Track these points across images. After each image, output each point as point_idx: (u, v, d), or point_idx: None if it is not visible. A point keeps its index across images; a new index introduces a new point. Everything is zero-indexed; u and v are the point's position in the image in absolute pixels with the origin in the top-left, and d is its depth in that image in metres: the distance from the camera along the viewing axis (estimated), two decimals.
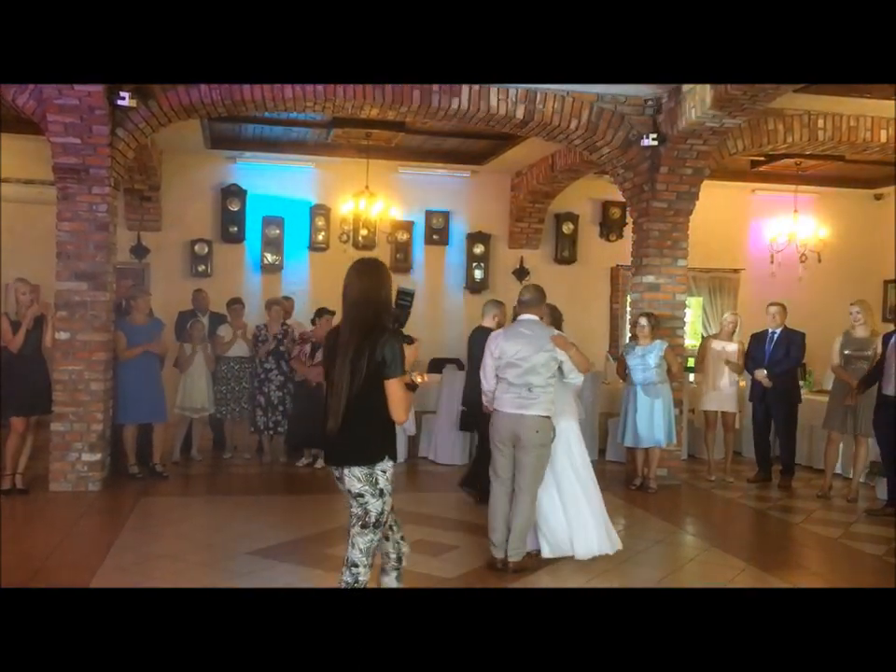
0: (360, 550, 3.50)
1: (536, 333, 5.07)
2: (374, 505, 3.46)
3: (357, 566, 3.50)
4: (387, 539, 3.68)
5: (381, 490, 3.46)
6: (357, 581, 3.49)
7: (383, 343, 3.35)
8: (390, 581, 3.73)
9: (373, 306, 3.48)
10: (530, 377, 4.99)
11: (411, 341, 3.48)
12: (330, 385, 3.45)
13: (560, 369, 5.09)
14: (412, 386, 3.49)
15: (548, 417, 5.04)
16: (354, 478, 3.45)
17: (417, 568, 5.16)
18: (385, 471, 3.46)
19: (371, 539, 3.50)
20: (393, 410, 3.38)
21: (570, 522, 5.27)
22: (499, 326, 6.56)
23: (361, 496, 3.46)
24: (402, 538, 3.76)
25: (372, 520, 3.47)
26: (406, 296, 3.57)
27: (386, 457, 3.46)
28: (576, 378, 5.17)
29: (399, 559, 3.75)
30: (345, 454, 3.45)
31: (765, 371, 7.77)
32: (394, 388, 3.35)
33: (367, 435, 3.43)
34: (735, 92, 6.31)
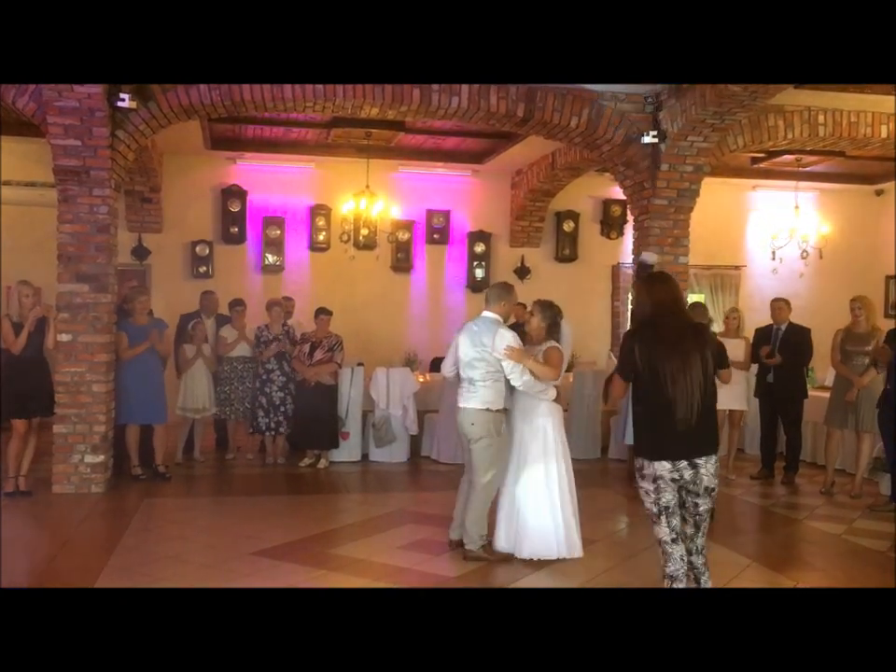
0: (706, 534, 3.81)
1: (481, 329, 5.18)
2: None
3: (705, 547, 3.83)
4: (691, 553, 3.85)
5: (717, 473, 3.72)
6: (706, 560, 3.83)
7: (711, 339, 3.78)
8: None
9: (684, 309, 3.93)
10: (469, 371, 5.16)
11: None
12: (662, 384, 3.58)
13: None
14: None
15: (488, 410, 5.10)
16: (710, 473, 3.64)
17: (420, 567, 5.16)
18: (717, 461, 3.71)
19: None
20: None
21: (521, 521, 5.25)
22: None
23: (714, 489, 3.68)
24: (704, 564, 3.87)
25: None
26: None
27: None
28: (515, 380, 5.09)
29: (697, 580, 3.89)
30: (706, 445, 3.63)
31: (773, 353, 7.74)
32: (728, 375, 3.84)
33: (715, 425, 3.73)
34: (735, 89, 6.31)
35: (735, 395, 8.09)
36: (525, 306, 9.36)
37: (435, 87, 7.12)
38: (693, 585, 3.80)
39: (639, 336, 3.70)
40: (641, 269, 3.86)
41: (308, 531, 5.84)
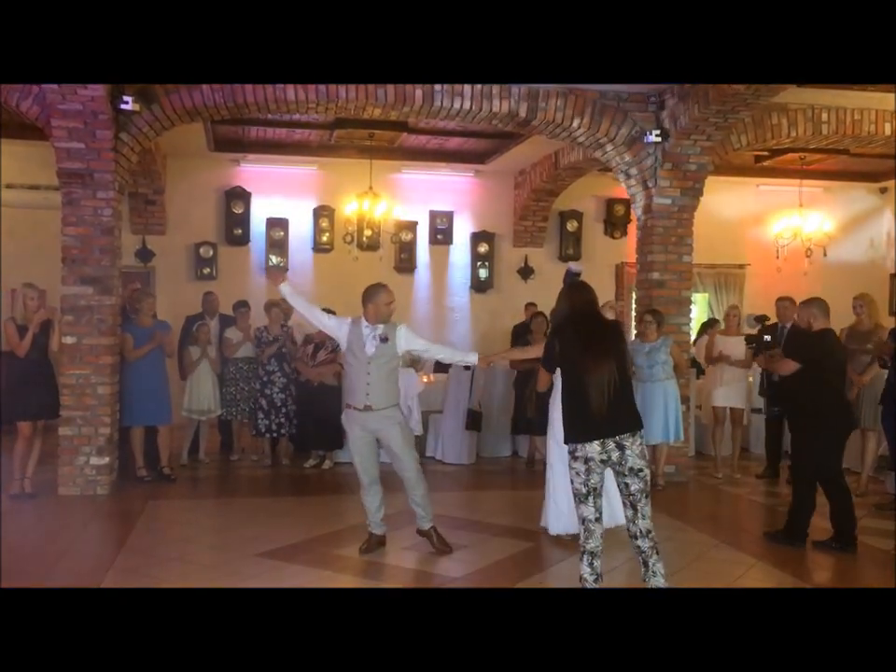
0: (650, 516, 3.97)
1: None
2: (649, 471, 3.98)
3: (651, 531, 3.97)
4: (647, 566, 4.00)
5: (646, 456, 3.99)
6: (656, 543, 3.98)
7: (622, 337, 4.29)
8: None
9: (599, 311, 4.32)
10: None
11: None
12: (580, 375, 3.93)
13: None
14: None
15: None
16: (635, 455, 3.90)
17: (425, 568, 5.17)
18: (642, 444, 3.98)
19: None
20: None
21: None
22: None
23: (641, 469, 3.92)
24: (652, 548, 4.00)
25: (649, 486, 3.98)
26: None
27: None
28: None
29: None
30: (625, 424, 3.93)
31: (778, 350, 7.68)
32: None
33: (632, 406, 4.03)
34: (738, 88, 6.30)
35: (735, 393, 8.10)
36: (535, 306, 9.45)
37: (437, 87, 7.12)
38: (643, 569, 3.99)
39: (560, 334, 4.13)
40: (567, 276, 4.46)
41: (313, 532, 5.85)
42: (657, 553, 3.97)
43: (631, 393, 4.09)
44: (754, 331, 8.27)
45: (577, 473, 3.95)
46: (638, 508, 3.93)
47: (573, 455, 3.96)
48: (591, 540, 3.97)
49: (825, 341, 5.65)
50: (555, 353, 4.10)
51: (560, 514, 5.71)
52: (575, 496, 4.00)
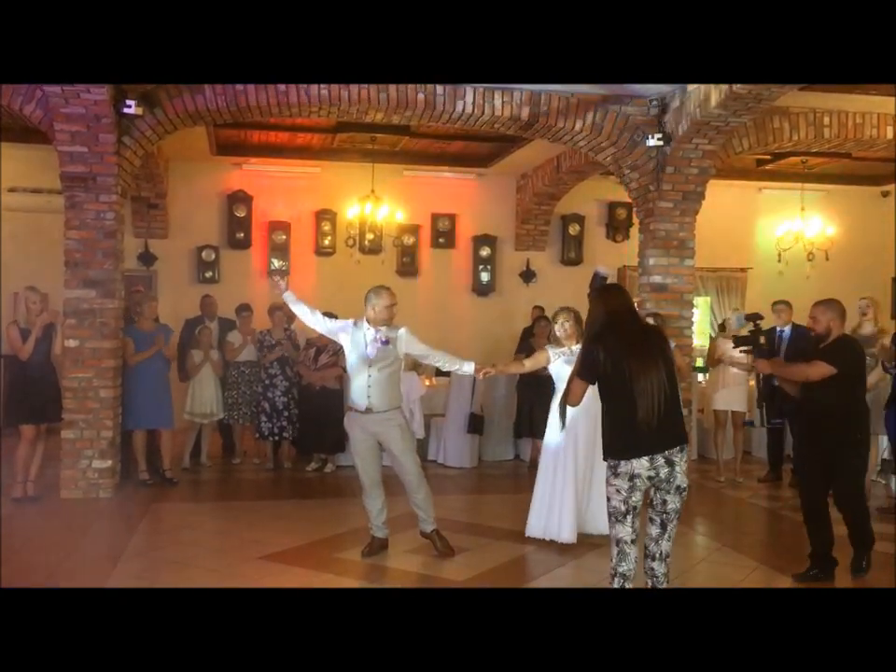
0: (673, 539, 3.78)
1: None
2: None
3: (670, 556, 3.80)
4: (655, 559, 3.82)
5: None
6: (669, 571, 3.82)
7: (666, 340, 4.01)
8: None
9: (637, 315, 4.07)
10: None
11: None
12: (626, 385, 3.64)
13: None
14: None
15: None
16: (683, 472, 3.67)
17: (427, 571, 5.17)
18: (687, 459, 3.75)
19: None
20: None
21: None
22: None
23: (686, 488, 3.71)
24: (665, 574, 3.84)
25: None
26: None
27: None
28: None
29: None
30: (673, 437, 3.68)
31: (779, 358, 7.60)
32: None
33: (680, 418, 3.76)
34: (740, 91, 6.30)
35: (736, 396, 8.09)
36: (542, 309, 9.49)
37: (439, 91, 7.11)
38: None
39: (602, 341, 3.77)
40: (595, 281, 4.10)
41: (315, 535, 5.85)
42: (668, 581, 3.78)
43: (679, 402, 3.78)
44: (742, 332, 8.16)
45: (617, 491, 3.67)
46: (669, 528, 3.71)
47: (614, 472, 3.67)
48: (624, 563, 3.72)
49: (857, 345, 5.16)
50: (599, 362, 3.72)
51: (535, 515, 5.79)
52: (611, 515, 3.73)
